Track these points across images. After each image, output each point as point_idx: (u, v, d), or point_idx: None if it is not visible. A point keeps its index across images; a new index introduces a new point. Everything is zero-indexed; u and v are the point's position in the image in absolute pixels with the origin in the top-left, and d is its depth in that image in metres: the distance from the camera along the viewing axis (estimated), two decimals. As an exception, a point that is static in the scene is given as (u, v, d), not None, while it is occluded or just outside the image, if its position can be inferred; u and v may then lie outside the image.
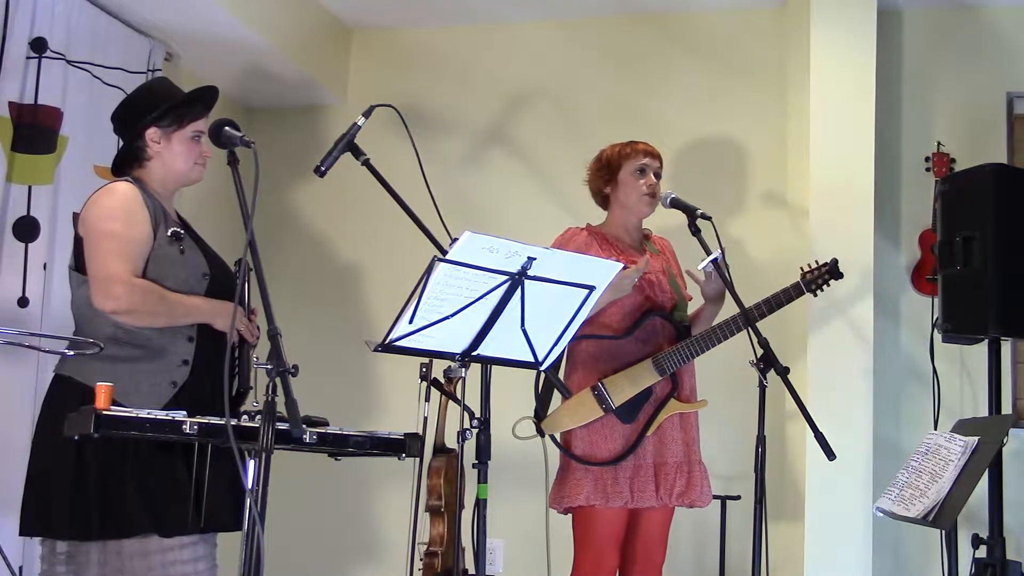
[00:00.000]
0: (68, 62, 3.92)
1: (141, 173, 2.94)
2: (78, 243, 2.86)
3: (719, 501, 4.07)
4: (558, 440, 3.47)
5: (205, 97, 3.04)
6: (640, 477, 3.38)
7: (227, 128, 2.68)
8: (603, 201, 3.64)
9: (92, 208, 2.84)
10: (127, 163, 2.97)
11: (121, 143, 3.00)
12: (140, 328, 2.76)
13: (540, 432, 3.45)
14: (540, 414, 3.46)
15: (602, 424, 3.41)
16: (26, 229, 3.76)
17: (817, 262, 3.62)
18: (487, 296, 2.50)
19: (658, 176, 3.56)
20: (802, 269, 3.62)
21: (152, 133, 2.92)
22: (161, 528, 2.67)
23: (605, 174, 3.58)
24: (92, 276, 2.76)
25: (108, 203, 2.82)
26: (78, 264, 2.84)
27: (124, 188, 2.85)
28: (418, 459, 2.91)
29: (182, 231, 2.90)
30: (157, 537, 2.67)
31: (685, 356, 3.42)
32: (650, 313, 3.47)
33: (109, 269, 2.73)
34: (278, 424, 2.33)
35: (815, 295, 3.61)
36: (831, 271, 3.59)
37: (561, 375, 3.52)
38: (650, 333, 3.46)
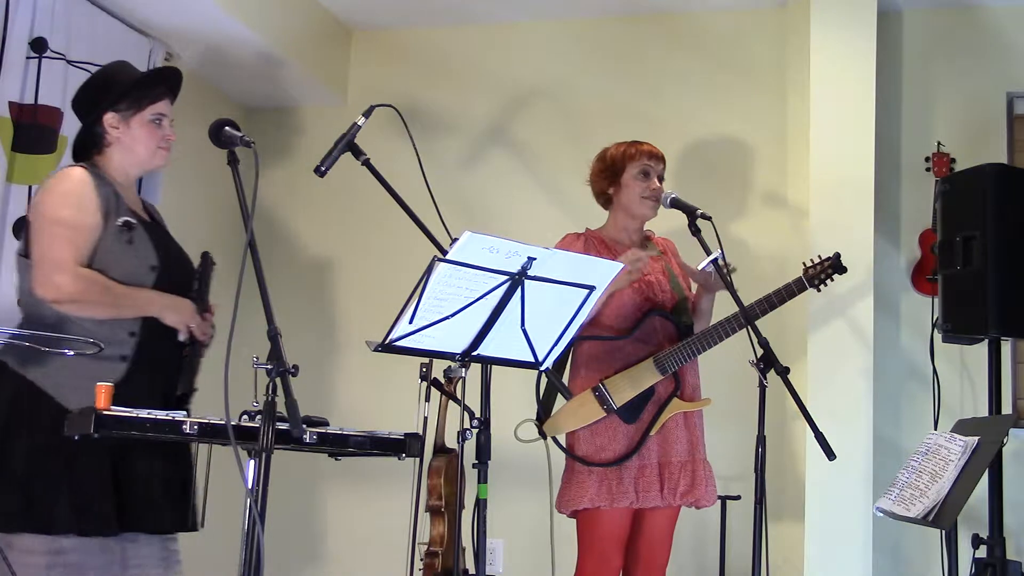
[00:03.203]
0: (68, 62, 3.92)
1: (100, 159, 2.88)
2: (28, 229, 2.79)
3: (719, 501, 4.07)
4: (561, 442, 3.47)
5: (166, 78, 2.97)
6: (645, 477, 3.38)
7: (227, 128, 2.65)
8: (606, 202, 3.63)
9: (42, 194, 2.79)
10: (86, 149, 2.90)
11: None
12: (82, 319, 2.70)
13: (542, 434, 3.45)
14: (542, 416, 3.46)
15: (605, 425, 3.40)
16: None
17: (820, 257, 3.60)
18: (487, 296, 2.50)
19: (661, 179, 3.55)
20: (804, 264, 3.60)
21: (110, 118, 2.85)
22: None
23: (608, 175, 3.57)
24: (35, 263, 2.70)
25: (58, 189, 2.76)
26: (27, 250, 2.77)
27: (75, 174, 2.79)
28: (418, 459, 2.91)
29: (134, 221, 2.81)
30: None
31: (686, 355, 3.42)
32: (651, 313, 3.46)
33: (52, 256, 2.68)
34: (278, 424, 2.33)
35: (818, 290, 3.60)
36: (834, 266, 3.57)
37: (564, 377, 3.52)
38: (651, 333, 3.46)
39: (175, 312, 2.80)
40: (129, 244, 2.78)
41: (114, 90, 2.86)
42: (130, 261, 2.77)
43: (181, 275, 2.90)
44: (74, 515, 2.60)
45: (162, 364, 2.79)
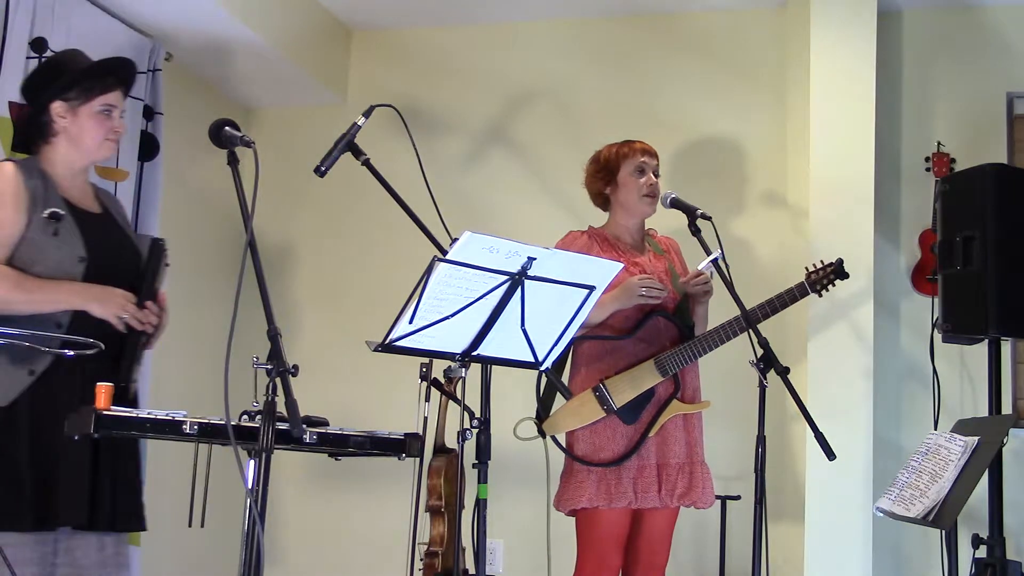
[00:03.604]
0: (68, 62, 3.92)
1: (47, 149, 2.83)
2: None
3: (719, 501, 4.07)
4: (560, 441, 3.47)
5: (117, 69, 2.93)
6: (644, 478, 3.38)
7: (227, 128, 2.62)
8: (603, 203, 3.63)
9: None
10: (33, 139, 2.85)
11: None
12: (2, 313, 2.65)
13: (541, 433, 3.45)
14: (541, 415, 3.46)
15: (605, 425, 3.40)
16: (26, 229, 3.74)
17: (822, 262, 3.60)
18: (487, 296, 2.51)
19: (657, 174, 3.56)
20: (807, 269, 3.61)
21: (57, 107, 2.80)
22: None
23: (604, 175, 3.57)
24: None
25: None
26: None
27: (1, 169, 2.75)
28: (418, 459, 2.91)
29: (62, 212, 2.74)
30: None
31: (687, 357, 3.42)
32: (652, 313, 3.46)
33: None
34: (278, 424, 2.32)
35: (820, 295, 3.61)
36: (836, 271, 3.58)
37: (565, 376, 3.52)
38: (652, 333, 3.46)
39: (101, 303, 2.73)
40: (54, 236, 2.73)
41: (63, 78, 2.81)
42: (56, 253, 2.73)
43: (121, 266, 2.84)
44: None
45: (93, 356, 2.66)
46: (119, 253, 2.88)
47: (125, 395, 2.77)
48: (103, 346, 2.64)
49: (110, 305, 2.74)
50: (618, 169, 3.54)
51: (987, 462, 3.19)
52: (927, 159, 4.60)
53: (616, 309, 3.40)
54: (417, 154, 3.00)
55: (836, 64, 4.40)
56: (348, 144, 2.90)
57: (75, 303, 2.72)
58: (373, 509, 4.89)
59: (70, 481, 2.65)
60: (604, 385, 3.41)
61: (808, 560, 4.12)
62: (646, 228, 3.65)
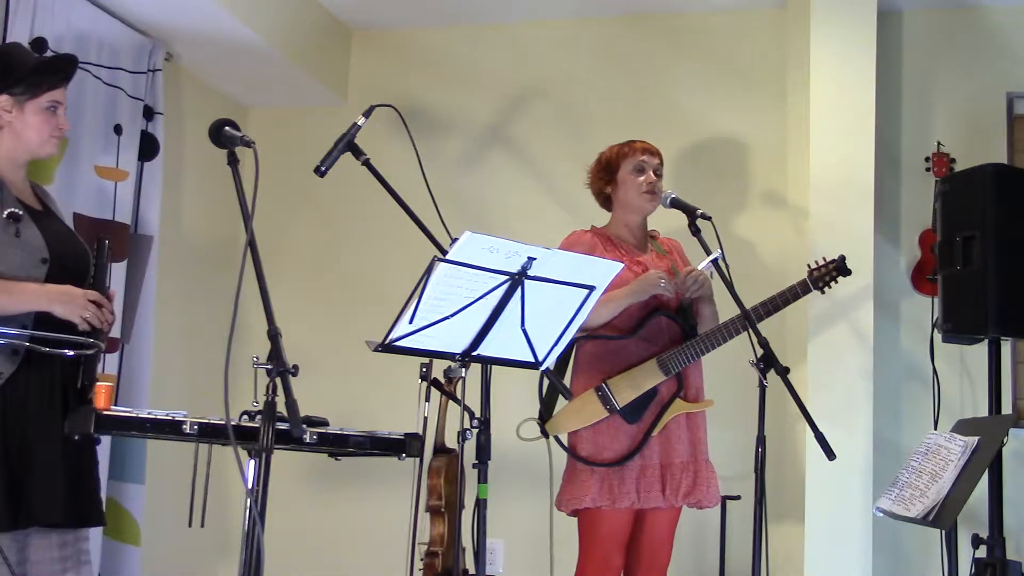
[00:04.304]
0: (68, 62, 3.91)
1: None
2: None
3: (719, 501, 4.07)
4: (563, 442, 3.47)
5: (65, 66, 2.93)
6: (647, 478, 3.38)
7: (227, 128, 2.62)
8: (605, 202, 3.64)
9: None
10: None
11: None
12: None
13: (544, 434, 3.45)
14: (544, 415, 3.46)
15: (607, 425, 3.41)
16: (26, 229, 3.74)
17: (824, 259, 3.62)
18: (487, 296, 2.51)
19: (658, 173, 3.57)
20: (809, 266, 3.62)
21: (3, 101, 2.79)
22: None
23: (605, 175, 3.59)
24: None
25: None
26: None
27: None
28: (418, 459, 2.92)
29: (21, 212, 2.71)
30: None
31: (690, 355, 3.42)
32: (655, 312, 3.47)
33: None
34: (278, 424, 2.32)
35: (823, 292, 3.62)
36: (839, 268, 3.60)
37: (567, 376, 3.52)
38: (655, 332, 3.46)
39: (64, 304, 2.70)
40: (16, 237, 2.69)
41: (12, 73, 2.80)
42: (18, 254, 2.69)
43: (76, 264, 2.82)
44: None
45: (59, 357, 2.67)
46: (71, 252, 2.85)
47: (84, 396, 2.73)
48: (102, 345, 2.64)
49: (73, 306, 2.71)
50: (618, 168, 3.56)
51: (987, 462, 3.19)
52: (927, 159, 4.60)
53: (631, 303, 3.40)
54: (417, 154, 3.01)
55: (836, 64, 4.40)
56: (348, 144, 2.91)
57: (41, 304, 2.68)
58: (373, 509, 4.89)
59: (44, 480, 2.64)
60: (606, 385, 3.41)
61: (808, 560, 4.12)
62: (649, 230, 3.66)
